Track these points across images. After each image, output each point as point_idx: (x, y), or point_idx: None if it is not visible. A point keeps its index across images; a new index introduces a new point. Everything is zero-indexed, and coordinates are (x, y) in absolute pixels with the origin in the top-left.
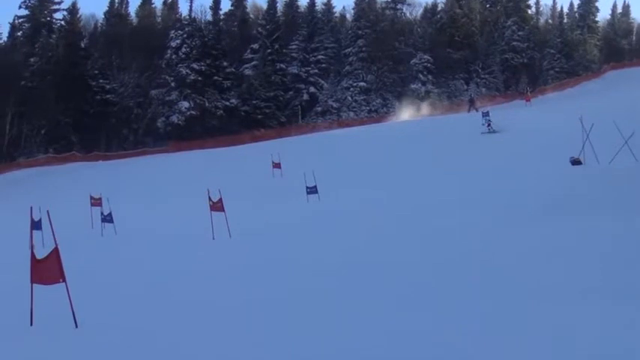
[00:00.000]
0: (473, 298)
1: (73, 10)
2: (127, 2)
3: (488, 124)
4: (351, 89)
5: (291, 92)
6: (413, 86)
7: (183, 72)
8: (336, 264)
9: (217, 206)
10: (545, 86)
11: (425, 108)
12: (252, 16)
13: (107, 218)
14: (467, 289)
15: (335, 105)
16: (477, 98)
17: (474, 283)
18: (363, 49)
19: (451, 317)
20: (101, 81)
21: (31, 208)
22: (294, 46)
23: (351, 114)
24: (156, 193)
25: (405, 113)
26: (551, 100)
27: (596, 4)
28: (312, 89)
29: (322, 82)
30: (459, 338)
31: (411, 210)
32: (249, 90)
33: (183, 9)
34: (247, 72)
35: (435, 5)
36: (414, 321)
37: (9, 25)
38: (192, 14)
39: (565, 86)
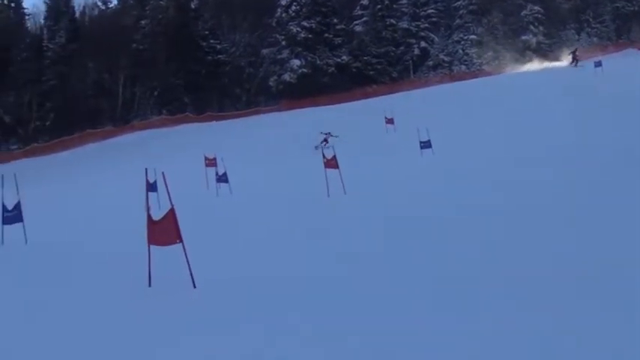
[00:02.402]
0: None
1: None
2: None
3: (324, 140)
4: (462, 42)
5: (402, 47)
6: (524, 37)
7: (294, 30)
8: (451, 217)
9: (331, 163)
10: None
11: (536, 59)
12: None
13: (222, 178)
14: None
15: (446, 59)
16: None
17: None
18: (473, 1)
19: None
20: (212, 41)
21: (146, 170)
22: (403, 1)
23: (463, 67)
24: (270, 151)
25: (517, 65)
26: None
27: None
28: (422, 44)
29: (433, 36)
30: None
31: (528, 159)
32: (360, 46)
33: None
34: (358, 28)
35: None
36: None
37: None
38: None
39: None
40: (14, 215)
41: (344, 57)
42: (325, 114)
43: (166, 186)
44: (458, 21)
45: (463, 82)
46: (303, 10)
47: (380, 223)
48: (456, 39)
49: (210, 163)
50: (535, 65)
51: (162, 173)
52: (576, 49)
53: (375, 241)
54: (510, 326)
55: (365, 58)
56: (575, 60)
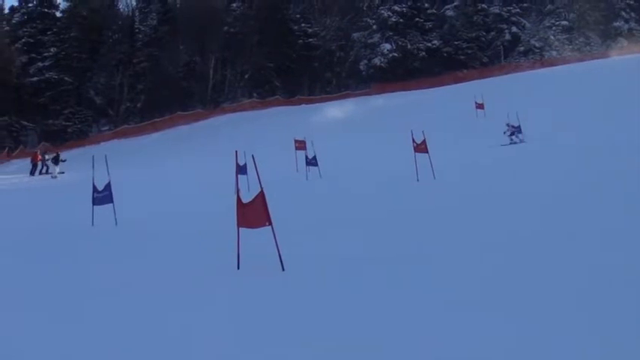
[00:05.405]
0: None
1: None
2: None
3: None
4: (554, 28)
5: (493, 32)
6: (615, 24)
7: (385, 14)
8: (546, 203)
9: (421, 148)
10: None
11: (628, 45)
12: None
13: (312, 162)
14: None
15: (537, 44)
16: None
17: None
18: None
19: None
20: (303, 25)
21: (236, 152)
22: None
23: (554, 53)
24: (359, 136)
25: (608, 51)
26: None
27: None
28: (514, 29)
29: (524, 21)
30: None
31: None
32: (450, 31)
33: None
34: (449, 13)
35: None
36: None
37: None
38: None
39: None
40: (104, 196)
41: (435, 41)
42: (417, 98)
43: (256, 168)
44: (549, 6)
45: (554, 67)
46: None
47: (466, 209)
48: (547, 25)
49: (300, 146)
50: (626, 51)
51: (252, 156)
52: None
53: (463, 229)
54: None
55: (456, 42)
56: None
